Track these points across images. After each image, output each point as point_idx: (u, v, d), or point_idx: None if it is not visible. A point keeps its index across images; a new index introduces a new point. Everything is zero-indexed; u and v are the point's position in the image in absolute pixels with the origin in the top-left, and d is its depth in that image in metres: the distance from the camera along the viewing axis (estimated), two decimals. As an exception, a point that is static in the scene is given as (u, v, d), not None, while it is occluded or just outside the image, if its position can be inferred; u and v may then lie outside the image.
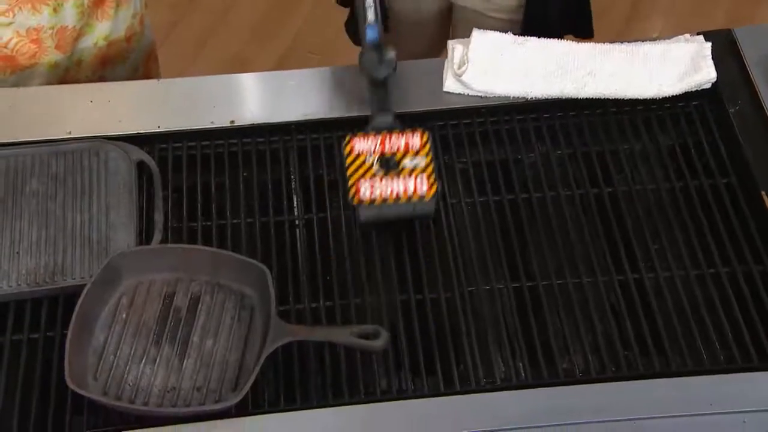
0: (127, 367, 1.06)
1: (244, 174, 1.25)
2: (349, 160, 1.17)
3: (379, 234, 1.19)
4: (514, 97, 1.29)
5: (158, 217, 1.17)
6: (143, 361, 1.07)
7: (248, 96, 1.32)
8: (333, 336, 1.06)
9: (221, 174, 1.24)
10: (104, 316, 1.09)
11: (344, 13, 1.63)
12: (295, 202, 1.23)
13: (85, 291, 1.06)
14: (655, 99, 1.29)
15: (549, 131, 1.29)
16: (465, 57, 1.29)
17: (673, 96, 1.29)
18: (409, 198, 1.15)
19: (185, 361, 1.07)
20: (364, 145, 1.18)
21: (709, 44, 1.31)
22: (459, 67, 1.30)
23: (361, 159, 1.17)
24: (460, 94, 1.30)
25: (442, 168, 1.24)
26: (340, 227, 1.20)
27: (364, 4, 1.20)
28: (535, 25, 1.48)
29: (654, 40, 1.35)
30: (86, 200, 1.18)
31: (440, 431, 1.02)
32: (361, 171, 1.16)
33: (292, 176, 1.25)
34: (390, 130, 1.19)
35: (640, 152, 1.27)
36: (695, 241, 1.17)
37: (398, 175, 1.16)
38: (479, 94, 1.29)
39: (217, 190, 1.23)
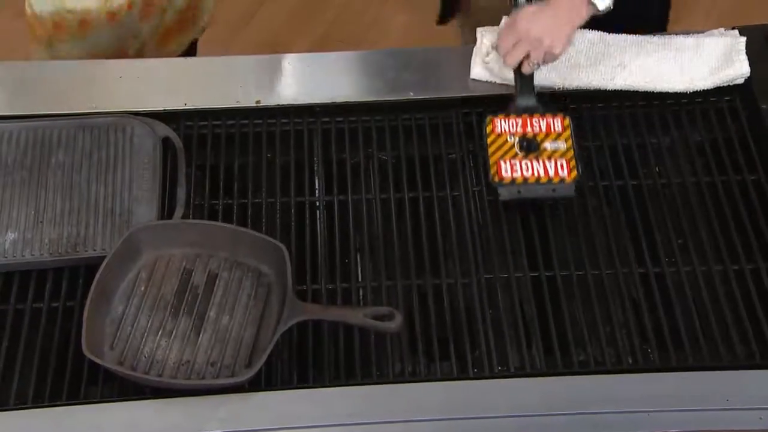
0: (144, 339, 1.07)
1: (268, 154, 1.25)
2: (490, 139, 1.19)
3: (400, 218, 1.18)
4: (541, 87, 1.28)
5: (181, 194, 1.18)
6: (159, 333, 1.07)
7: (275, 77, 1.33)
8: (347, 316, 1.06)
9: (245, 153, 1.25)
10: (123, 288, 1.10)
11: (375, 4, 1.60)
12: (316, 184, 1.23)
13: (104, 263, 1.08)
14: (686, 93, 1.28)
15: (576, 123, 1.27)
16: (494, 45, 1.28)
17: (704, 90, 1.27)
18: (550, 180, 1.16)
19: (201, 335, 1.07)
20: (505, 126, 1.19)
21: (744, 39, 1.29)
22: (487, 55, 1.29)
23: (503, 139, 1.18)
24: (487, 81, 1.29)
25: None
26: (360, 211, 1.20)
27: None
28: None
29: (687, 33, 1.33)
30: (110, 174, 1.19)
31: (452, 415, 1.01)
32: (502, 151, 1.17)
33: (315, 158, 1.25)
34: (532, 112, 1.20)
35: (668, 147, 1.25)
36: (720, 236, 1.15)
37: (539, 156, 1.16)
38: (506, 83, 1.28)
39: (239, 169, 1.24)
